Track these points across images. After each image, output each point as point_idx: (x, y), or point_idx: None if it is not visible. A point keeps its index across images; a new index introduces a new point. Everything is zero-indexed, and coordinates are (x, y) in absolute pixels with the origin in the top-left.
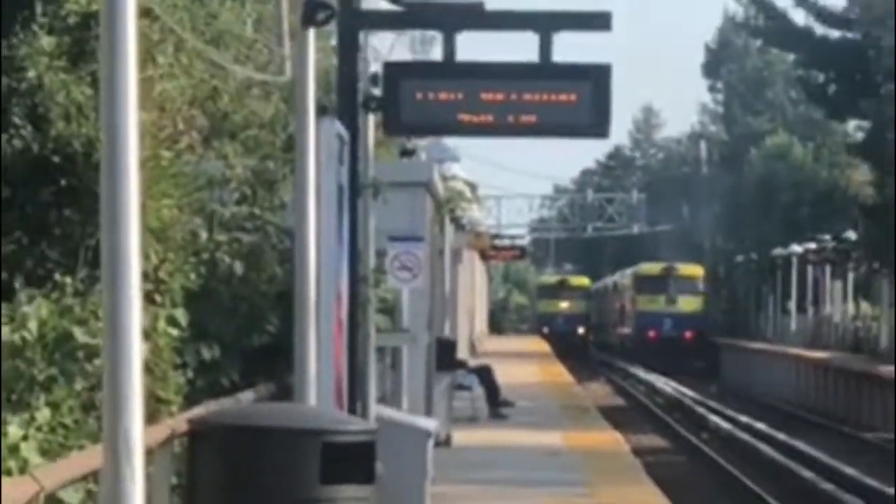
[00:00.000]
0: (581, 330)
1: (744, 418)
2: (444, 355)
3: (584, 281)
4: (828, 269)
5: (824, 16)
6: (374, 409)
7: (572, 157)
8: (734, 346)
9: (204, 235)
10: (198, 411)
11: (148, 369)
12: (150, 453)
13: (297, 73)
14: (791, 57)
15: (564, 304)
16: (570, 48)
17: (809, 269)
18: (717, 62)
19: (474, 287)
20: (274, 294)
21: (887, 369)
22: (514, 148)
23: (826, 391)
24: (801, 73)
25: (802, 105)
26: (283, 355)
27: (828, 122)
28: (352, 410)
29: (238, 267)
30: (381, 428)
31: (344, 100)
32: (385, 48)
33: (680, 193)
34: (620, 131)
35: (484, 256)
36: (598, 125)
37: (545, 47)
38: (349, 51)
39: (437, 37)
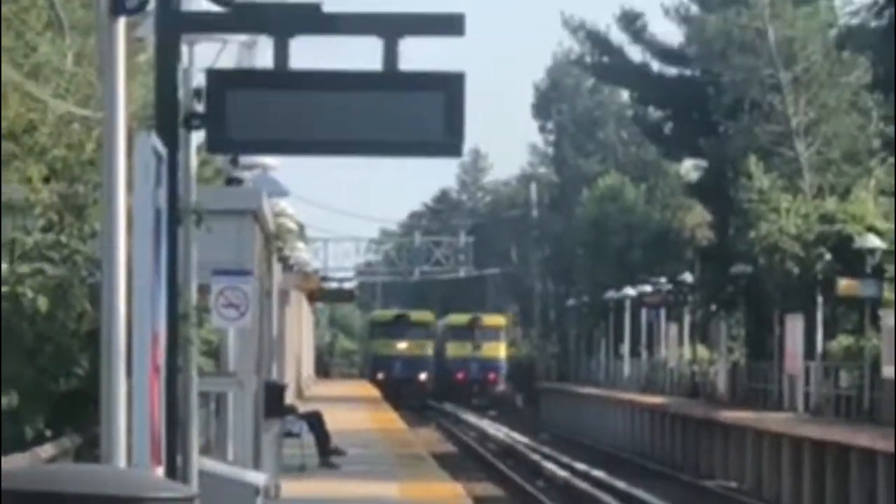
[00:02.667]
0: (423, 376)
1: (580, 465)
2: (273, 401)
3: (427, 316)
4: (663, 312)
5: (661, 52)
6: (197, 462)
7: (400, 199)
8: (563, 391)
9: (4, 266)
10: None
11: None
12: None
13: (104, 68)
14: (624, 96)
15: (403, 345)
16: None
17: (643, 312)
18: (547, 102)
19: (301, 330)
20: (84, 333)
21: (727, 415)
22: (341, 188)
23: (663, 437)
24: (637, 111)
25: (634, 146)
26: (95, 402)
27: (660, 163)
28: (171, 464)
29: (42, 303)
30: (205, 484)
31: (162, 114)
32: (210, 59)
33: (509, 236)
34: (448, 174)
35: (311, 298)
36: (450, 142)
37: (390, 54)
38: (168, 58)
39: (266, 41)
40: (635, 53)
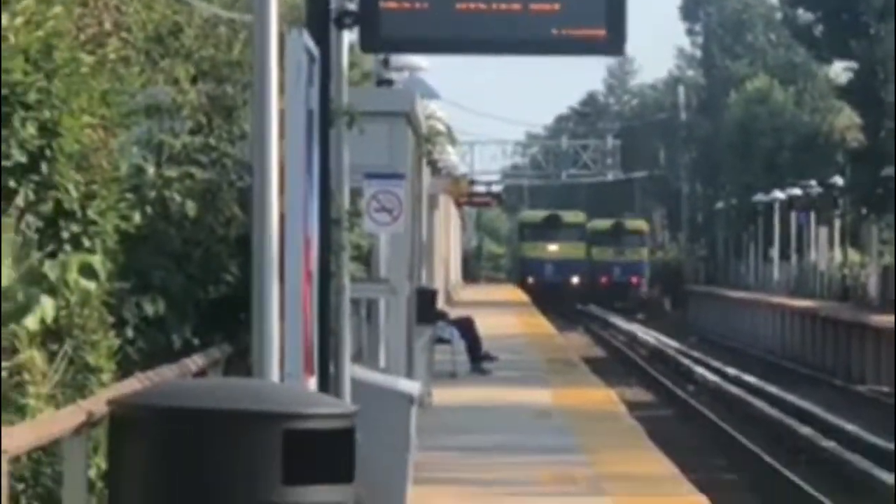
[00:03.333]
0: (576, 280)
1: (731, 370)
2: (425, 307)
3: (579, 217)
4: (812, 215)
5: None
6: (350, 371)
7: (545, 103)
8: (712, 294)
9: (151, 170)
10: (127, 385)
11: (62, 332)
12: (57, 443)
13: None
14: None
15: (554, 248)
16: None
17: (793, 215)
18: (695, 5)
19: (449, 234)
20: (233, 239)
21: (878, 319)
22: (487, 92)
23: (814, 342)
24: (787, 13)
25: (783, 48)
26: (245, 310)
27: (809, 65)
28: (324, 374)
29: (191, 207)
30: (358, 393)
31: (313, 12)
32: None
33: (656, 139)
34: (594, 77)
35: (458, 203)
36: (612, 40)
37: None
38: None
39: None
40: None
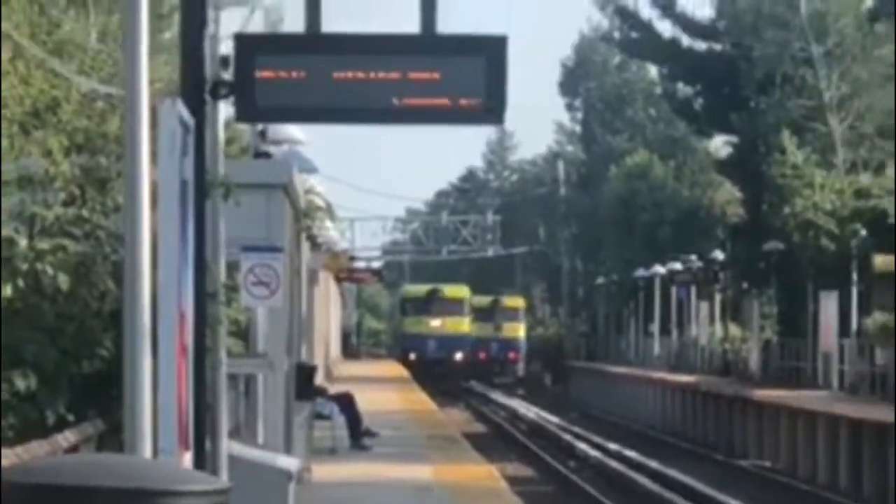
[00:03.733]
0: (459, 356)
1: (612, 445)
2: (304, 382)
3: (462, 291)
4: (693, 290)
5: (691, 27)
6: (227, 447)
7: (425, 178)
8: (593, 370)
9: (23, 242)
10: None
11: None
12: None
13: (125, 32)
14: (652, 73)
15: (437, 323)
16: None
17: (673, 290)
18: (574, 80)
19: (329, 310)
20: (107, 313)
21: (760, 393)
22: (365, 168)
23: (695, 416)
24: (666, 87)
25: (663, 123)
26: (119, 385)
27: (689, 140)
28: (200, 450)
29: (64, 280)
30: (235, 470)
31: (188, 82)
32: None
33: (536, 215)
34: (474, 153)
35: (338, 279)
36: (492, 109)
37: (428, 16)
38: (194, 22)
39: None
40: (665, 28)
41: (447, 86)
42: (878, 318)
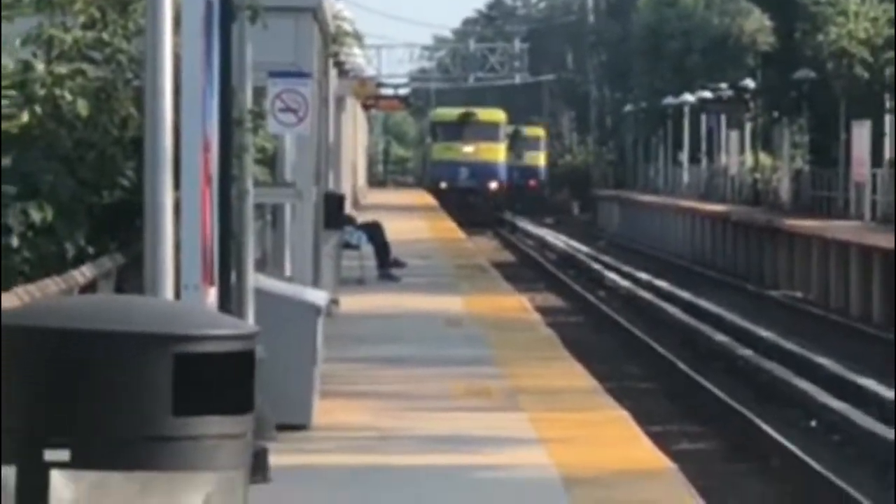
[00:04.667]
0: (493, 185)
1: (641, 275)
2: (333, 212)
3: (497, 115)
4: (723, 118)
5: None
6: (253, 280)
7: (452, 5)
8: (621, 198)
9: (40, 67)
10: (3, 300)
11: None
12: None
13: None
14: None
15: (469, 149)
16: None
17: (703, 118)
18: None
19: (357, 137)
20: (129, 141)
21: (791, 223)
22: None
23: (724, 245)
24: None
25: None
26: (142, 216)
27: None
28: (225, 284)
29: (83, 106)
30: (262, 304)
31: None
32: None
33: (564, 43)
34: None
35: (365, 106)
36: None
37: None
38: None
39: None
40: None
41: None
42: None
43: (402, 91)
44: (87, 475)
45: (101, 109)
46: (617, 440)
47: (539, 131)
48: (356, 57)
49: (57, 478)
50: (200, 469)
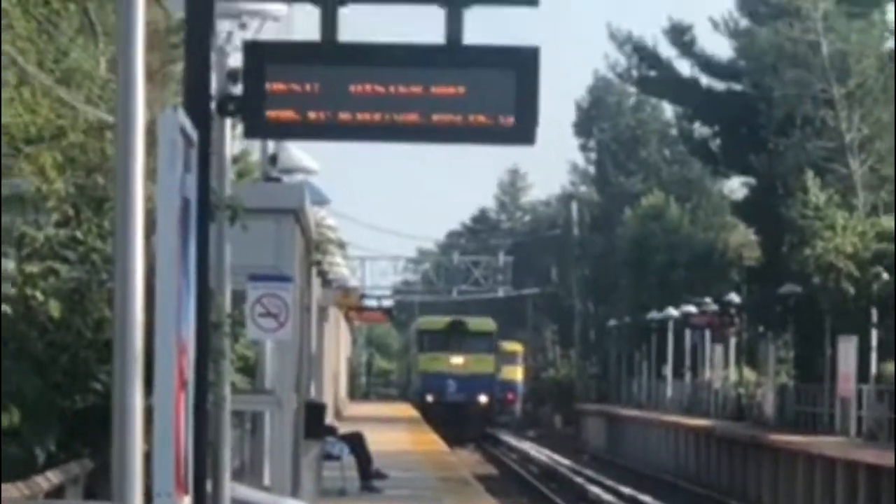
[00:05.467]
0: (483, 399)
1: (625, 489)
2: (314, 421)
3: (488, 325)
4: (707, 333)
5: (710, 66)
6: (230, 488)
7: (437, 218)
8: (605, 413)
9: (10, 265)
10: None
11: None
12: None
13: (119, 29)
14: (667, 113)
15: (458, 360)
16: None
17: (687, 333)
18: (588, 121)
19: (339, 348)
20: (103, 343)
21: (776, 438)
22: (376, 206)
23: (709, 460)
24: (683, 128)
25: (677, 164)
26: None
27: (704, 182)
28: (200, 493)
29: (55, 307)
30: None
31: (193, 95)
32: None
33: (548, 256)
34: (486, 193)
35: (347, 317)
36: (522, 127)
37: (454, 25)
38: (199, 30)
39: (311, 11)
40: (684, 67)
41: (472, 103)
42: None
43: (386, 303)
44: None
45: (74, 311)
46: None
47: (517, 346)
48: (340, 267)
49: None
50: None
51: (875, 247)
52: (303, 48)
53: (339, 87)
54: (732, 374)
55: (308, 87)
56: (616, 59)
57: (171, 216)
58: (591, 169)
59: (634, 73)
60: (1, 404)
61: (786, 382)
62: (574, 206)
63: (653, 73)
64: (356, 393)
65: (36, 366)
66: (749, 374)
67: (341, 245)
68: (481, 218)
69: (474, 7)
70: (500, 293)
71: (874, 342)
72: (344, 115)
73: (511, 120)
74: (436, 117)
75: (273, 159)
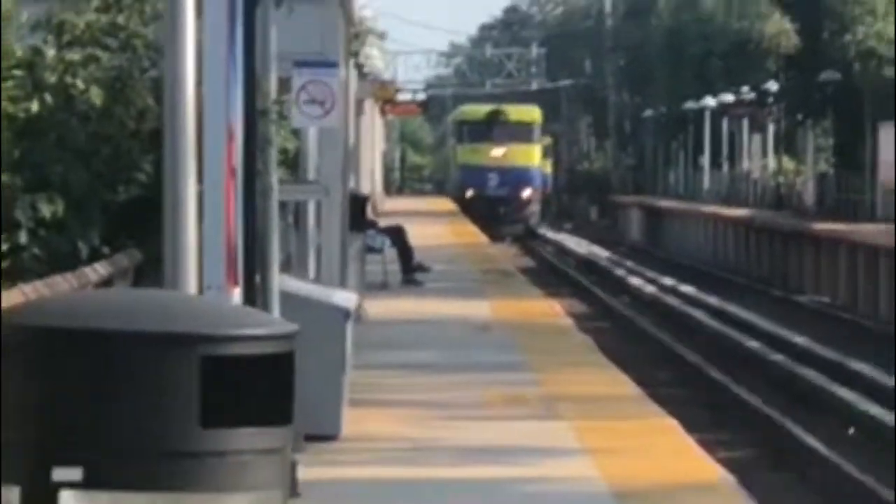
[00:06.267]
0: (526, 194)
1: (666, 280)
2: (357, 214)
3: (532, 114)
4: (745, 122)
5: None
6: (279, 282)
7: (468, 12)
8: (641, 204)
9: (50, 53)
10: (8, 298)
11: None
12: None
13: None
14: None
15: (500, 152)
16: None
17: (725, 122)
18: None
19: (375, 142)
20: (146, 133)
21: (817, 227)
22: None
23: (748, 251)
24: None
25: None
26: (159, 213)
27: None
28: (249, 286)
29: (97, 96)
30: (287, 307)
31: None
32: None
33: (582, 48)
34: None
35: (383, 111)
36: None
37: None
38: None
39: None
40: None
41: None
42: None
43: (420, 97)
44: (102, 497)
45: (116, 100)
46: (667, 451)
47: (545, 140)
48: (375, 59)
49: (67, 500)
50: (231, 490)
51: None
52: None
53: None
54: (771, 163)
55: None
56: None
57: (218, 3)
58: None
59: None
60: (46, 194)
61: (825, 171)
62: None
63: None
64: (390, 188)
65: (79, 157)
66: (788, 162)
67: (381, 36)
68: (512, 10)
69: None
70: (534, 86)
71: None
72: None
73: None
74: None
75: None
